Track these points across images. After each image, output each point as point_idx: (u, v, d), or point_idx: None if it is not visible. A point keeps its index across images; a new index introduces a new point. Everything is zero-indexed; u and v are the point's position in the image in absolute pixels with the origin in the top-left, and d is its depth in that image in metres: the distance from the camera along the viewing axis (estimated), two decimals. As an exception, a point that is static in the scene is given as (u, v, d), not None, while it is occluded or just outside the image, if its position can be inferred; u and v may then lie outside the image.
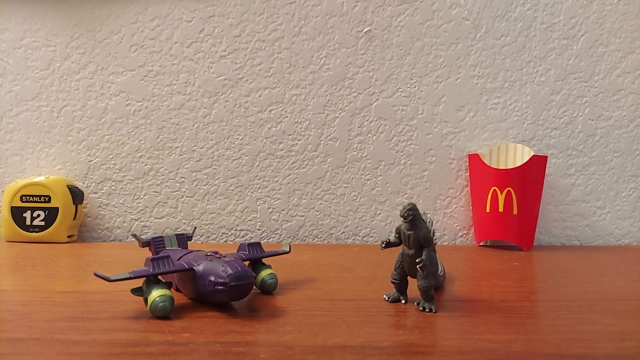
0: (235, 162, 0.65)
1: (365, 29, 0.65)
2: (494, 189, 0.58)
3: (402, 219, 0.30)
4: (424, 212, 0.32)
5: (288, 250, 0.36)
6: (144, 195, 0.64)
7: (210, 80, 0.64)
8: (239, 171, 0.65)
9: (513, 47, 0.66)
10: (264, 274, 0.33)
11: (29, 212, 0.57)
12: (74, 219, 0.59)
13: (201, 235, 0.64)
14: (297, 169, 0.65)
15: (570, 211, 0.66)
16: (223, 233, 0.65)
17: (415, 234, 0.30)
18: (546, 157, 0.57)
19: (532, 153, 0.59)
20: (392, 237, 0.32)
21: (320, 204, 0.65)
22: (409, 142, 0.65)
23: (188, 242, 0.57)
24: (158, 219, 0.64)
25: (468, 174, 0.65)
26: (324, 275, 0.40)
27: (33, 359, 0.21)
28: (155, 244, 0.36)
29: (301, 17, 0.65)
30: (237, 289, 0.27)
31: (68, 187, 0.59)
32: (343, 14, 0.65)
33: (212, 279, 0.27)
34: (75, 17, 0.64)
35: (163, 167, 0.64)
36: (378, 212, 0.65)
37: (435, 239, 0.39)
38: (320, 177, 0.65)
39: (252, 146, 0.65)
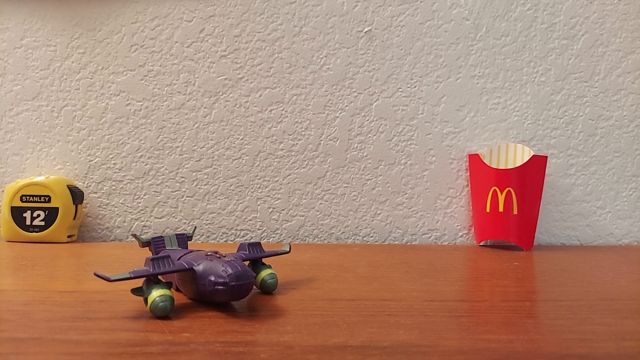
0: (236, 162, 0.65)
1: (366, 29, 0.65)
2: (494, 189, 0.58)
3: None
4: None
5: (288, 250, 0.36)
6: (144, 195, 0.64)
7: (210, 80, 0.64)
8: (239, 171, 0.65)
9: (513, 47, 0.66)
10: (264, 274, 0.33)
11: (29, 212, 0.57)
12: (74, 219, 0.59)
13: (201, 235, 0.64)
14: (297, 168, 0.65)
15: (571, 211, 0.66)
16: (223, 233, 0.65)
17: None
18: (546, 157, 0.57)
19: (532, 153, 0.59)
20: None
21: (321, 203, 0.65)
22: (409, 142, 0.65)
23: (188, 242, 0.57)
24: (158, 218, 0.64)
25: (468, 174, 0.65)
26: (324, 275, 0.40)
27: (33, 359, 0.21)
28: (155, 243, 0.35)
29: (301, 17, 0.65)
30: (237, 289, 0.27)
31: (68, 187, 0.59)
32: (343, 13, 0.65)
33: (212, 278, 0.27)
34: (75, 17, 0.64)
35: (163, 167, 0.64)
36: (378, 212, 0.65)
37: None
38: (321, 177, 0.65)
39: (252, 146, 0.65)
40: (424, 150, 0.65)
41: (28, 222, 0.57)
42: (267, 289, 0.33)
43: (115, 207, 0.64)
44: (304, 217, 0.65)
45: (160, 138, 0.64)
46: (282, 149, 0.65)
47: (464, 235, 0.66)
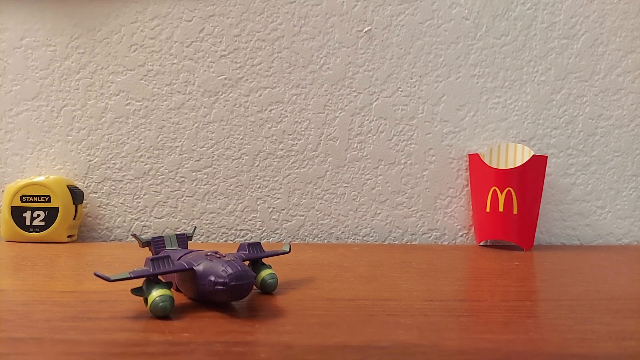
0: (235, 161, 0.65)
1: (366, 29, 0.65)
2: (494, 189, 0.58)
3: None
4: None
5: (288, 250, 0.36)
6: (144, 195, 0.64)
7: (210, 79, 0.64)
8: (239, 171, 0.65)
9: (513, 46, 0.66)
10: (264, 273, 0.33)
11: (29, 212, 0.57)
12: (74, 219, 0.59)
13: (201, 235, 0.64)
14: (297, 168, 0.65)
15: (571, 211, 0.66)
16: (223, 233, 0.65)
17: None
18: (546, 156, 0.57)
19: (532, 153, 0.59)
20: None
21: (321, 203, 0.65)
22: (409, 142, 0.65)
23: (188, 242, 0.57)
24: (158, 218, 0.64)
25: (468, 173, 0.65)
26: (324, 275, 0.40)
27: (33, 359, 0.21)
28: (155, 243, 0.35)
29: (301, 17, 0.64)
30: (237, 288, 0.27)
31: (68, 187, 0.59)
32: (343, 13, 0.65)
33: (212, 278, 0.27)
34: (75, 16, 0.64)
35: (163, 166, 0.64)
36: (378, 212, 0.65)
37: None
38: (321, 176, 0.65)
39: (252, 146, 0.65)
40: (424, 150, 0.65)
41: (28, 222, 0.57)
42: (267, 289, 0.33)
43: (115, 207, 0.64)
44: (303, 217, 0.65)
45: (159, 138, 0.64)
46: (282, 149, 0.65)
47: (464, 235, 0.66)
